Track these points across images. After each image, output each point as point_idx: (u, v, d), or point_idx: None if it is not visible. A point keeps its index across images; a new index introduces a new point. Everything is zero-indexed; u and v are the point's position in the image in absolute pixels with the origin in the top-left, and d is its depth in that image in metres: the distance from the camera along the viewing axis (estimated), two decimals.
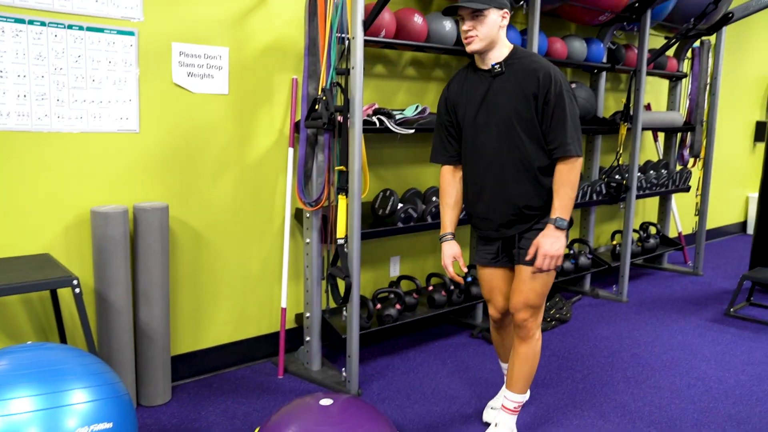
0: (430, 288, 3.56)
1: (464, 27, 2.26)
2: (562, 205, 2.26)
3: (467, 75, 2.42)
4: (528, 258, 2.30)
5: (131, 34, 2.65)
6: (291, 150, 3.14)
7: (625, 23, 4.45)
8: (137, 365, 2.74)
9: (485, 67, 2.33)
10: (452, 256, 2.49)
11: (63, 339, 2.58)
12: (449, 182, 2.52)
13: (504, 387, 2.57)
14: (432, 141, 2.55)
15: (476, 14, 2.22)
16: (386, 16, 3.07)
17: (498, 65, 2.29)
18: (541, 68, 2.25)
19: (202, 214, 3.00)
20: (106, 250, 2.54)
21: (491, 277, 2.53)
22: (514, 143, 2.29)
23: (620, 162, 4.58)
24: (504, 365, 2.77)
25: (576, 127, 2.26)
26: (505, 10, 2.27)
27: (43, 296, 2.59)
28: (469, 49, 2.28)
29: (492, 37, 2.26)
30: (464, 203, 2.54)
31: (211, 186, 3.00)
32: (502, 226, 2.39)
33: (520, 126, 2.27)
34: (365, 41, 2.81)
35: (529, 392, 2.61)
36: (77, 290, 2.21)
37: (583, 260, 4.38)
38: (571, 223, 2.32)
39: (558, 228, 2.24)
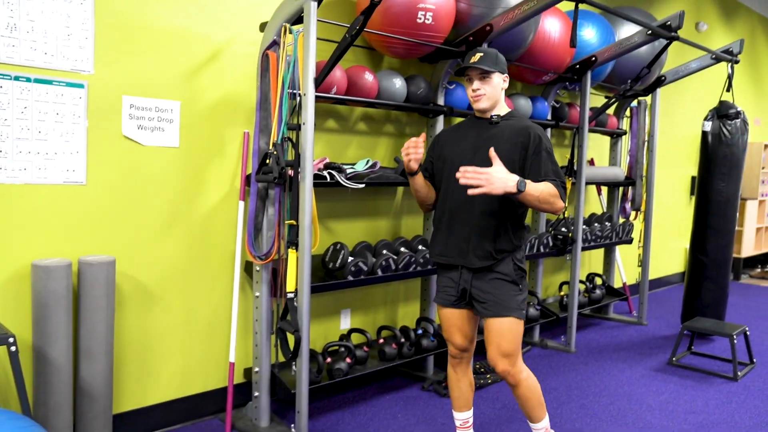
0: (381, 341, 3.53)
1: (473, 86, 2.51)
2: (535, 185, 2.34)
3: (467, 123, 2.67)
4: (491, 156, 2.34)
5: (81, 86, 2.63)
6: (242, 203, 3.12)
7: (567, 83, 4.64)
8: (77, 426, 2.61)
9: (484, 117, 2.58)
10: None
11: None
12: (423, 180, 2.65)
13: (528, 422, 2.68)
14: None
15: (484, 76, 2.49)
16: (338, 73, 3.12)
17: (496, 117, 2.55)
18: (533, 127, 2.50)
19: (151, 267, 2.93)
20: (47, 305, 2.45)
21: (450, 316, 2.63)
22: None
23: (566, 215, 4.70)
24: (459, 415, 2.76)
25: (561, 177, 2.46)
26: (506, 74, 2.56)
27: None
28: (476, 106, 2.54)
29: (496, 96, 2.53)
30: (432, 236, 2.66)
31: (160, 239, 2.95)
32: (469, 253, 2.48)
33: (504, 165, 2.36)
34: (317, 97, 2.85)
35: (546, 413, 2.66)
36: (13, 348, 2.11)
37: (532, 311, 4.43)
38: (523, 272, 2.52)
39: (517, 183, 2.27)
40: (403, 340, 3.50)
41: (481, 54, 2.48)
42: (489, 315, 2.48)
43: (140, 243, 2.89)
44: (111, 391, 2.67)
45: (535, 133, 2.47)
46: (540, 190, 2.35)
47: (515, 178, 2.29)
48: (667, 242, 7.05)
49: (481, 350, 2.71)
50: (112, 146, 2.76)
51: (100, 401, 2.62)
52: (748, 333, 4.33)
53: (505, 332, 2.47)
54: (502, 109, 2.58)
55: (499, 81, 2.52)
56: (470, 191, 2.27)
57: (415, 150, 2.47)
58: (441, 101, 3.74)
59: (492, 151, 2.33)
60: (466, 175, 2.27)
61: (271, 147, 2.84)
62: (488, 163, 2.34)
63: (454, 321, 2.62)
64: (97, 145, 2.71)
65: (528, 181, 2.32)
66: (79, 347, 2.60)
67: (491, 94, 2.51)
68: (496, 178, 2.26)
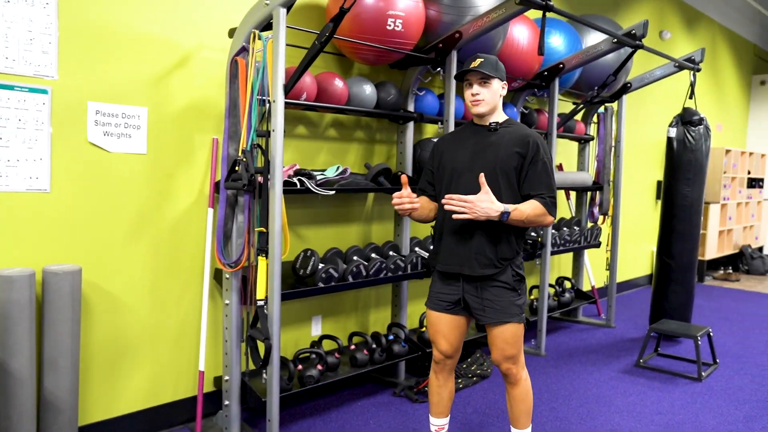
0: (353, 347, 3.51)
1: (472, 91, 2.51)
2: (521, 210, 2.40)
3: (464, 129, 2.67)
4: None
5: (44, 92, 2.57)
6: (211, 210, 3.08)
7: (536, 90, 4.68)
8: None
9: (482, 124, 2.59)
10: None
11: None
12: (424, 200, 2.68)
13: (511, 427, 2.68)
14: (419, 183, 2.74)
15: (484, 81, 2.49)
16: (307, 80, 3.10)
17: (495, 124, 2.56)
18: (533, 135, 2.52)
19: (118, 276, 2.87)
20: (9, 317, 2.38)
21: (438, 322, 2.63)
22: (492, 188, 2.43)
23: None
24: (435, 421, 2.76)
25: (553, 190, 2.50)
26: (505, 81, 2.57)
27: None
28: (475, 110, 2.53)
29: (495, 102, 2.54)
30: (434, 243, 2.67)
31: (127, 247, 2.89)
32: (471, 261, 2.49)
33: (501, 173, 2.47)
34: (286, 104, 2.83)
35: (531, 425, 2.70)
36: None
37: None
38: (522, 279, 2.58)
39: (501, 211, 2.36)
40: (374, 346, 3.49)
41: (482, 59, 2.49)
42: (490, 322, 2.52)
43: (107, 251, 2.83)
44: (77, 402, 2.60)
45: (534, 142, 2.49)
46: (526, 214, 2.41)
47: (499, 207, 2.36)
48: (634, 246, 7.16)
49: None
50: (77, 153, 2.70)
51: (65, 413, 2.55)
52: (711, 334, 4.41)
53: (507, 337, 2.52)
54: (500, 116, 2.59)
55: (498, 87, 2.53)
56: (455, 216, 2.37)
57: (411, 205, 2.47)
58: (411, 107, 3.74)
59: (482, 177, 2.37)
60: (451, 202, 2.36)
61: (240, 154, 2.81)
62: (487, 171, 2.44)
63: (442, 327, 2.62)
64: (62, 152, 2.66)
65: (513, 208, 2.38)
66: (43, 358, 2.53)
67: (490, 99, 2.52)
68: (479, 207, 2.35)
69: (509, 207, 2.38)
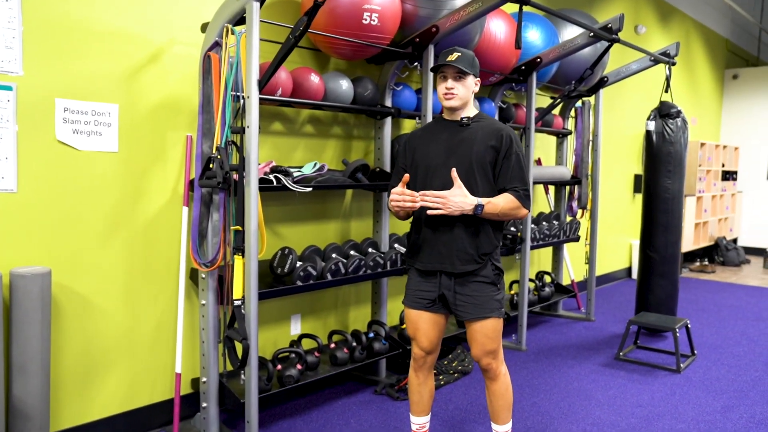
0: (332, 345, 3.46)
1: (447, 84, 2.49)
2: (494, 203, 2.41)
3: (435, 125, 2.64)
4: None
5: (8, 89, 2.48)
6: (185, 209, 3.01)
7: (513, 84, 4.66)
8: None
9: (453, 119, 2.57)
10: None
11: None
12: None
13: (492, 423, 2.67)
14: (390, 181, 2.68)
15: (459, 75, 2.48)
16: (282, 75, 3.04)
17: (466, 119, 2.54)
18: (505, 129, 2.53)
19: (90, 278, 2.79)
20: None
21: (418, 319, 2.60)
22: (468, 183, 2.43)
23: None
24: (416, 419, 2.72)
25: (527, 183, 2.52)
26: (478, 78, 2.57)
27: None
28: (447, 104, 2.52)
29: (467, 98, 2.53)
30: (410, 240, 2.63)
31: (99, 248, 2.81)
32: (452, 258, 2.47)
33: (477, 167, 2.46)
34: (261, 99, 2.76)
35: (511, 419, 2.69)
36: None
37: None
38: (501, 272, 2.57)
39: (475, 205, 2.37)
40: (354, 344, 3.44)
41: (459, 54, 2.47)
42: (470, 318, 2.51)
43: (78, 253, 2.74)
44: (47, 408, 2.52)
45: (507, 135, 2.50)
46: (500, 207, 2.42)
47: (472, 201, 2.37)
48: (612, 239, 7.19)
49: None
50: (45, 152, 2.61)
51: (35, 420, 2.47)
52: (689, 326, 4.43)
53: (488, 332, 2.51)
54: (471, 110, 2.58)
55: (472, 83, 2.54)
56: (429, 212, 2.37)
57: (413, 203, 2.40)
58: (389, 103, 3.69)
59: (453, 172, 2.37)
60: (425, 198, 2.36)
61: (214, 151, 2.74)
62: (463, 166, 2.44)
63: (421, 324, 2.59)
64: (29, 150, 2.57)
65: (487, 202, 2.39)
66: (11, 364, 2.44)
67: (464, 94, 2.51)
68: (452, 202, 2.35)
69: (482, 200, 2.39)
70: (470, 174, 2.46)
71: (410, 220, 2.69)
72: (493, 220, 2.49)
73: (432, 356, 2.66)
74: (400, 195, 2.42)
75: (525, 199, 2.48)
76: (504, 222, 2.58)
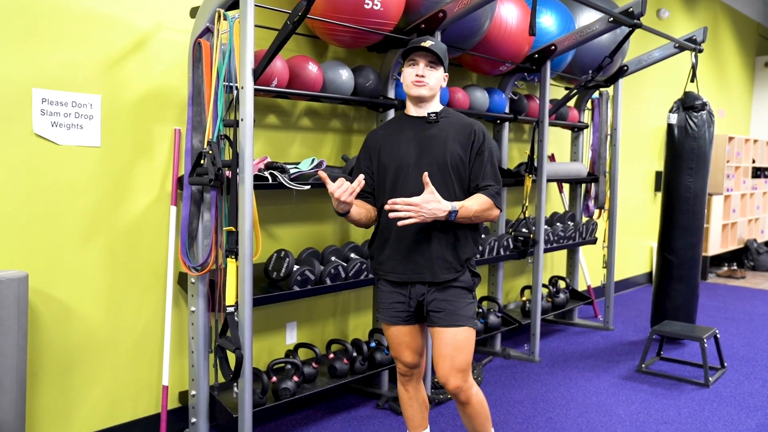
0: (331, 356, 3.49)
1: (418, 71, 2.49)
2: (467, 207, 2.40)
3: (399, 121, 2.64)
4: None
5: None
6: (173, 208, 3.03)
7: (525, 74, 4.68)
8: None
9: (419, 115, 2.56)
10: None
11: None
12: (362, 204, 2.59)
13: None
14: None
15: (432, 64, 2.50)
16: (278, 64, 3.07)
17: (433, 114, 2.54)
18: (476, 124, 2.55)
19: (70, 283, 2.81)
20: None
21: (399, 334, 2.61)
22: (446, 184, 2.46)
23: (527, 215, 4.74)
24: None
25: (499, 181, 2.54)
26: (447, 74, 2.60)
27: None
28: (415, 92, 2.51)
29: (436, 90, 2.55)
30: (377, 249, 2.61)
31: (80, 250, 2.83)
32: (433, 266, 2.47)
33: (453, 168, 2.48)
34: (256, 90, 2.79)
35: (492, 427, 2.70)
36: None
37: (492, 319, 4.45)
38: (478, 278, 2.56)
39: (449, 210, 2.34)
40: (354, 354, 3.47)
41: (432, 42, 2.49)
42: (443, 324, 2.48)
43: (57, 255, 2.77)
44: (23, 425, 2.54)
45: (479, 131, 2.52)
46: (473, 210, 2.41)
47: (446, 207, 2.34)
48: (632, 241, 7.22)
49: None
50: (20, 146, 2.64)
51: None
52: (718, 336, 4.46)
53: (460, 344, 2.48)
54: (437, 105, 2.59)
55: (441, 77, 2.55)
56: (400, 223, 2.31)
57: (349, 197, 2.33)
58: (391, 94, 3.72)
59: (425, 177, 2.33)
60: (395, 206, 2.30)
61: (205, 146, 2.77)
62: (437, 167, 2.45)
63: (403, 338, 2.61)
64: (3, 144, 2.59)
65: (460, 206, 2.38)
66: None
67: (434, 84, 2.52)
68: (425, 209, 2.31)
69: (456, 205, 2.37)
70: (446, 175, 2.47)
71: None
72: (472, 224, 2.52)
73: (419, 369, 2.70)
74: (339, 187, 2.31)
75: (497, 198, 2.49)
76: (481, 224, 2.59)
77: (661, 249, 5.05)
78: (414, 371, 2.68)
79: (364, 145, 2.66)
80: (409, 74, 2.52)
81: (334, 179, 2.37)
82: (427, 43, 2.47)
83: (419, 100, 2.54)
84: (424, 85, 2.49)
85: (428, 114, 2.54)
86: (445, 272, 2.47)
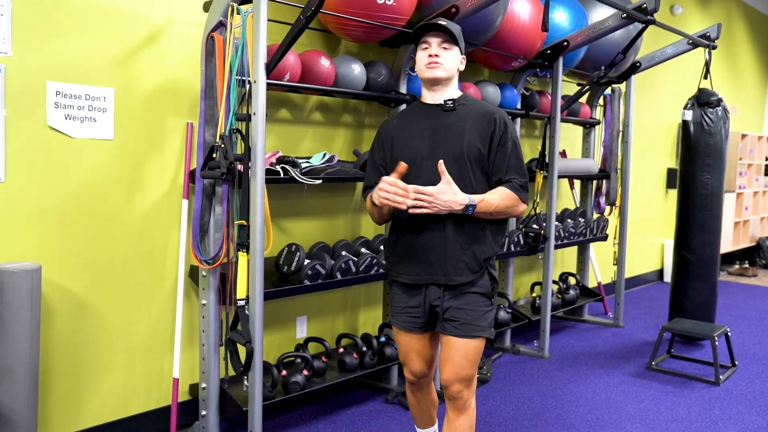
0: (341, 350, 3.49)
1: (431, 51, 2.31)
2: (488, 200, 2.25)
3: (413, 110, 2.46)
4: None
5: None
6: (185, 202, 3.04)
7: (538, 69, 4.66)
8: None
9: (435, 102, 2.38)
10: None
11: None
12: None
13: None
14: (365, 179, 2.51)
15: (445, 45, 2.31)
16: (291, 59, 3.06)
17: (451, 101, 2.35)
18: (497, 112, 2.35)
19: (82, 274, 2.82)
20: None
21: (411, 341, 2.48)
22: (462, 177, 2.28)
23: (537, 211, 4.72)
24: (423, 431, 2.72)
25: (525, 174, 2.36)
26: (464, 56, 2.41)
27: None
28: (430, 74, 2.32)
29: (452, 72, 2.35)
30: (389, 246, 2.47)
31: (93, 242, 2.84)
32: (447, 267, 2.29)
33: (471, 159, 2.29)
34: (268, 84, 2.78)
35: None
36: None
37: (502, 315, 4.44)
38: (497, 284, 2.40)
39: (467, 204, 2.20)
40: (364, 348, 3.46)
41: (445, 22, 2.31)
42: (457, 334, 2.32)
43: (70, 247, 2.78)
44: (35, 415, 2.56)
45: (500, 119, 2.32)
46: (495, 204, 2.26)
47: (463, 200, 2.20)
48: (643, 238, 7.18)
49: None
50: (35, 138, 2.64)
51: (20, 427, 2.50)
52: (729, 334, 4.43)
53: (470, 355, 2.33)
54: (455, 91, 2.41)
55: (458, 59, 2.36)
56: (411, 211, 2.19)
57: (404, 198, 2.17)
58: (403, 89, 3.70)
59: (441, 165, 2.19)
60: (409, 195, 2.17)
61: (218, 139, 2.77)
62: (454, 159, 2.28)
63: (413, 346, 2.48)
64: (18, 137, 2.60)
65: (480, 200, 2.23)
66: None
67: (449, 66, 2.32)
68: (439, 200, 2.18)
69: (475, 198, 2.22)
70: (463, 167, 2.28)
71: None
72: (493, 220, 2.34)
73: (428, 378, 2.57)
74: (393, 186, 2.18)
75: (523, 193, 2.31)
76: (506, 221, 2.41)
77: (678, 247, 4.99)
78: (422, 381, 2.56)
79: (377, 136, 2.49)
80: (422, 57, 2.33)
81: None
82: (440, 21, 2.31)
83: (434, 83, 2.34)
84: (439, 65, 2.30)
85: (445, 101, 2.35)
86: (460, 273, 2.29)
